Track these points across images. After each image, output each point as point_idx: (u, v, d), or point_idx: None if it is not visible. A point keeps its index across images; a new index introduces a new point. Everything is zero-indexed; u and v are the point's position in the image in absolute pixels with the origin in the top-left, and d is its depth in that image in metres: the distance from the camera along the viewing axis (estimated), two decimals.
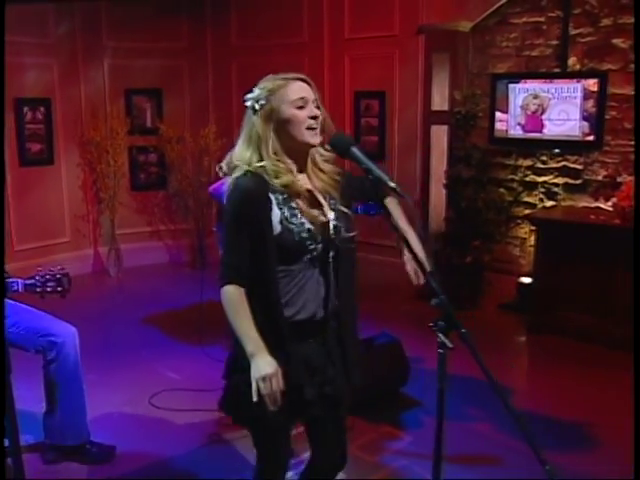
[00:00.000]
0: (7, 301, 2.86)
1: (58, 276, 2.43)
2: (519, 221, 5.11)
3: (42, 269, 2.46)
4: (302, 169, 1.95)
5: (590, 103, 4.37)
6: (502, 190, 5.03)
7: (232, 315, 1.85)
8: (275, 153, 1.87)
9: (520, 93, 4.65)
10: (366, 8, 5.53)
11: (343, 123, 5.85)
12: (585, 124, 4.40)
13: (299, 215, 1.86)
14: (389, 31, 5.40)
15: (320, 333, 1.96)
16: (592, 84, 4.35)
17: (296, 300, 1.89)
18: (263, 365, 1.79)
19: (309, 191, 1.93)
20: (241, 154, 1.89)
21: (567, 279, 4.32)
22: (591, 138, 4.42)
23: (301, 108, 1.86)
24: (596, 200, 4.74)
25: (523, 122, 4.66)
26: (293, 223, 1.85)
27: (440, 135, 5.21)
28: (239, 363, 1.88)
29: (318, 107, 1.90)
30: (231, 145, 1.97)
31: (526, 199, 5.08)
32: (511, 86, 4.68)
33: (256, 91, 1.89)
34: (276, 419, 1.85)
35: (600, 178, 4.68)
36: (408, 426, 3.40)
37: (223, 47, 6.36)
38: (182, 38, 6.27)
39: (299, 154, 1.92)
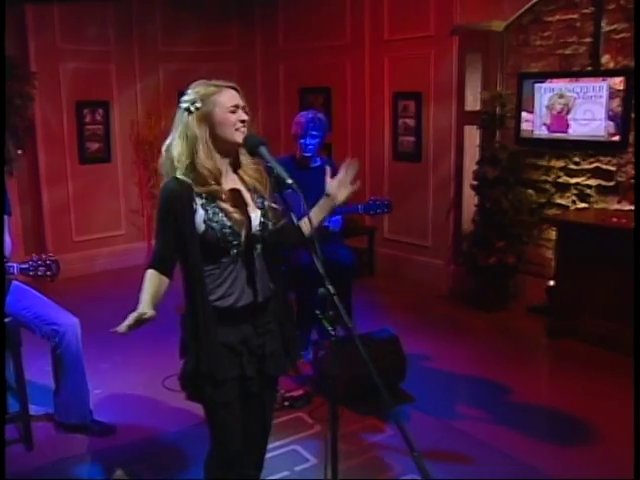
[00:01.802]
0: (22, 285, 3.20)
1: (48, 262, 2.70)
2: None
3: (36, 256, 2.73)
4: (233, 167, 2.12)
5: (616, 102, 4.22)
6: (530, 191, 4.94)
7: (142, 289, 2.06)
8: (208, 151, 2.05)
9: (546, 93, 4.55)
10: (404, 9, 5.58)
11: (382, 124, 5.94)
12: (610, 124, 4.26)
13: (221, 214, 2.03)
14: (425, 32, 5.43)
15: (258, 316, 2.14)
16: (618, 82, 4.21)
17: (232, 290, 2.08)
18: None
19: (236, 190, 2.10)
20: (176, 150, 2.07)
21: (587, 283, 4.21)
22: (617, 138, 4.27)
23: (233, 113, 2.05)
24: (631, 203, 4.57)
25: (548, 122, 4.56)
26: (215, 221, 2.02)
27: (473, 135, 5.18)
28: (186, 344, 2.11)
29: (247, 113, 2.09)
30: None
31: (558, 201, 4.95)
32: (537, 86, 4.60)
33: (191, 95, 2.08)
34: (220, 393, 2.07)
35: (633, 180, 4.51)
36: (395, 420, 3.46)
37: (271, 50, 6.60)
38: (232, 42, 6.56)
39: (229, 152, 2.10)
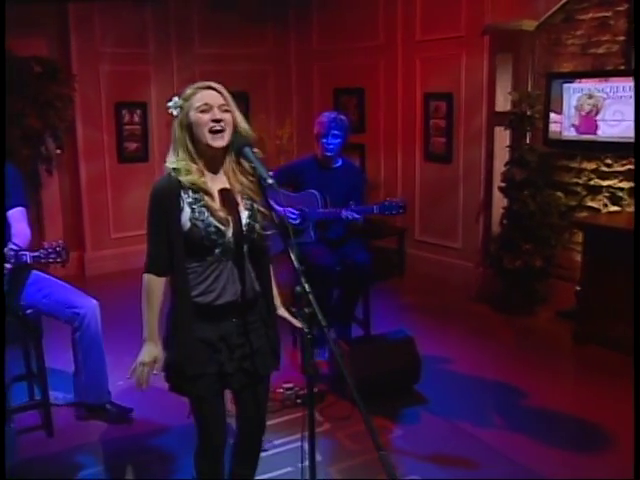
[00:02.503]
0: (41, 274, 3.34)
1: (58, 249, 2.81)
2: None
3: (47, 244, 2.85)
4: (216, 170, 2.14)
5: None
6: (559, 194, 4.84)
7: (143, 301, 2.15)
8: (189, 154, 2.10)
9: (575, 93, 4.45)
10: (435, 9, 5.56)
11: (414, 125, 5.92)
12: None
13: (206, 213, 2.07)
14: (456, 32, 5.40)
15: (241, 315, 2.17)
16: None
17: (214, 287, 2.11)
18: (146, 353, 2.15)
19: (225, 191, 2.13)
20: (169, 154, 2.15)
21: (614, 288, 4.10)
22: None
23: (204, 112, 2.06)
24: None
25: (577, 123, 4.46)
26: (200, 220, 2.06)
27: (502, 137, 5.11)
28: (169, 340, 2.17)
29: (227, 111, 2.09)
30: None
31: (590, 204, 4.83)
32: (565, 86, 4.50)
33: (175, 99, 2.13)
34: (198, 388, 2.13)
35: None
36: (404, 421, 3.47)
37: (305, 51, 6.66)
38: (267, 43, 6.66)
39: (209, 156, 2.12)
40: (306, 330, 1.89)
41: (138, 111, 6.26)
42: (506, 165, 4.90)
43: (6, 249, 2.82)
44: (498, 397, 3.76)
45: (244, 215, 2.14)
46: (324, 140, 4.01)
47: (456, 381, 3.96)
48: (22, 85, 4.94)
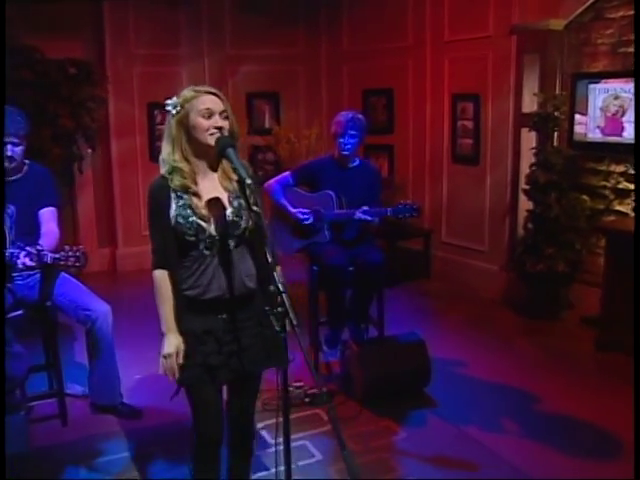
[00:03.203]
0: (63, 274, 3.45)
1: (78, 254, 2.90)
2: None
3: (67, 247, 2.95)
4: (210, 168, 2.22)
5: None
6: (585, 197, 4.72)
7: (157, 297, 2.24)
8: (184, 151, 2.17)
9: (600, 94, 4.34)
10: (463, 9, 5.50)
11: (442, 126, 5.88)
12: None
13: (189, 211, 2.15)
14: (484, 32, 5.33)
15: (229, 311, 2.22)
16: None
17: (200, 282, 2.18)
18: (167, 345, 2.21)
19: (212, 189, 2.19)
20: (164, 149, 2.23)
21: (634, 294, 3.98)
22: None
23: (205, 117, 2.14)
24: None
25: (602, 125, 4.34)
26: (183, 216, 2.14)
27: (529, 138, 5.02)
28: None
29: (226, 118, 2.17)
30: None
31: (618, 207, 4.70)
32: (591, 86, 4.39)
33: (175, 99, 2.20)
34: (189, 376, 2.22)
35: None
36: (410, 424, 3.45)
37: (335, 52, 6.68)
38: (298, 44, 6.71)
39: (205, 155, 2.19)
40: (277, 329, 1.91)
41: None
42: (530, 167, 4.81)
43: (31, 247, 2.94)
44: (510, 403, 3.70)
45: (228, 212, 2.19)
46: (341, 140, 4.02)
47: (469, 385, 3.92)
48: (56, 86, 5.11)
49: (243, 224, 2.20)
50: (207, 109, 2.14)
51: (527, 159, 5.04)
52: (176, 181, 2.15)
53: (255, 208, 2.19)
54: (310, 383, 3.81)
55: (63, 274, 3.39)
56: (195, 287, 2.18)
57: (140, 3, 6.03)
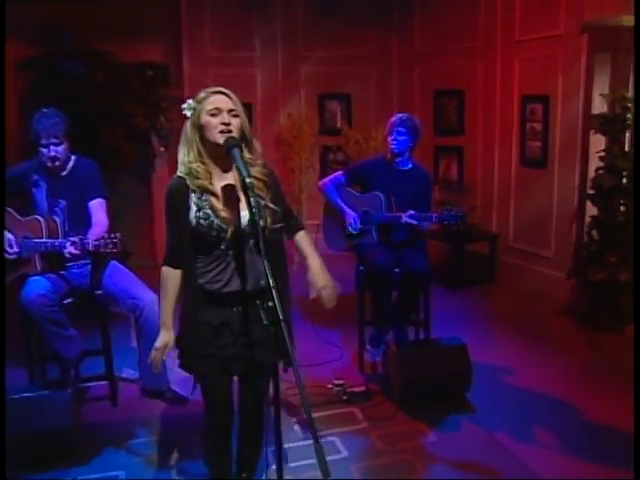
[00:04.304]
0: (115, 264, 3.67)
1: (115, 240, 3.11)
2: None
3: (106, 234, 3.17)
4: (227, 169, 2.30)
5: None
6: None
7: (161, 291, 2.38)
8: (199, 154, 2.27)
9: None
10: (535, 8, 5.34)
11: (511, 128, 5.74)
12: None
13: (209, 211, 2.24)
14: (554, 31, 5.15)
15: (243, 305, 2.31)
16: None
17: (221, 277, 2.28)
18: (159, 339, 2.38)
19: (229, 189, 2.27)
20: (180, 152, 2.34)
21: None
22: None
23: (214, 116, 2.23)
24: None
25: None
26: (203, 217, 2.23)
27: (598, 141, 4.81)
28: (180, 322, 2.38)
29: (236, 116, 2.25)
30: None
31: None
32: None
33: (190, 101, 2.31)
34: (200, 366, 2.33)
35: None
36: (443, 428, 3.43)
37: (407, 53, 6.65)
38: (370, 46, 6.73)
39: (218, 155, 2.27)
40: (266, 322, 1.98)
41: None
42: (596, 171, 4.61)
43: (75, 237, 3.18)
44: (550, 415, 3.58)
45: (244, 212, 2.26)
46: (390, 137, 4.07)
47: (511, 393, 3.83)
48: (131, 88, 5.42)
49: (262, 223, 2.24)
50: (215, 108, 2.22)
51: (595, 163, 4.83)
52: (194, 182, 2.25)
53: (271, 205, 2.31)
54: (351, 381, 3.87)
55: (114, 263, 3.62)
56: (215, 282, 2.28)
57: (215, 7, 6.27)
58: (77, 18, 5.46)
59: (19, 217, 3.50)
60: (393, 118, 4.11)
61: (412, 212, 3.88)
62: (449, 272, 5.85)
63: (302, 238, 2.53)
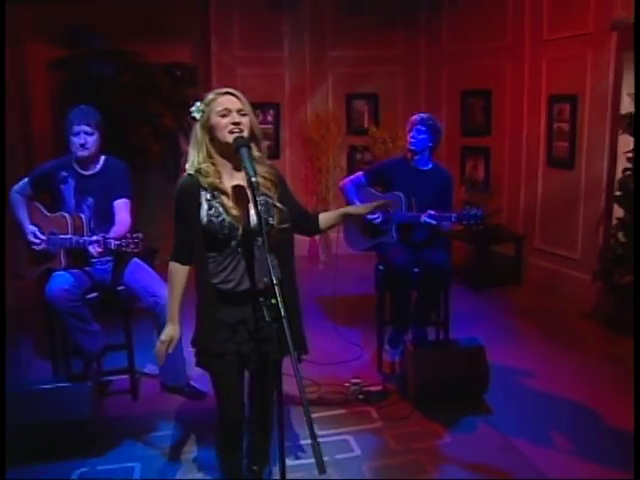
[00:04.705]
0: (137, 261, 3.75)
1: (136, 240, 3.19)
2: None
3: (129, 234, 3.24)
4: (237, 168, 2.34)
5: None
6: None
7: (168, 287, 2.44)
8: (209, 154, 2.32)
9: None
10: (563, 5, 5.27)
11: (538, 128, 5.67)
12: None
13: (220, 209, 2.28)
14: (583, 29, 5.07)
15: (256, 301, 2.33)
16: None
17: (233, 277, 2.32)
18: (165, 332, 2.43)
19: (239, 188, 2.31)
20: (190, 153, 2.39)
21: None
22: None
23: (224, 116, 2.27)
24: None
25: None
26: (215, 216, 2.27)
27: (626, 141, 4.72)
28: (197, 321, 2.42)
29: (245, 115, 2.29)
30: None
31: None
32: None
33: (198, 104, 2.35)
34: (218, 364, 2.36)
35: None
36: (458, 429, 3.41)
37: (434, 53, 6.63)
38: (398, 46, 6.73)
39: (228, 154, 2.32)
40: (268, 319, 2.01)
41: (271, 111, 6.68)
42: (623, 172, 4.53)
43: (98, 236, 3.27)
44: (568, 419, 3.53)
45: (253, 211, 2.29)
46: (409, 135, 4.08)
47: (530, 396, 3.78)
48: (160, 89, 5.52)
49: (270, 221, 2.29)
50: (225, 109, 2.26)
51: (623, 163, 4.74)
52: (204, 180, 2.29)
53: (278, 204, 2.34)
54: (368, 380, 3.88)
55: (136, 261, 3.69)
56: (228, 281, 2.32)
57: (244, 7, 6.34)
58: (107, 19, 5.59)
59: (47, 213, 3.60)
60: (414, 116, 4.11)
61: (431, 212, 3.87)
62: (474, 273, 5.81)
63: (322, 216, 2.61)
